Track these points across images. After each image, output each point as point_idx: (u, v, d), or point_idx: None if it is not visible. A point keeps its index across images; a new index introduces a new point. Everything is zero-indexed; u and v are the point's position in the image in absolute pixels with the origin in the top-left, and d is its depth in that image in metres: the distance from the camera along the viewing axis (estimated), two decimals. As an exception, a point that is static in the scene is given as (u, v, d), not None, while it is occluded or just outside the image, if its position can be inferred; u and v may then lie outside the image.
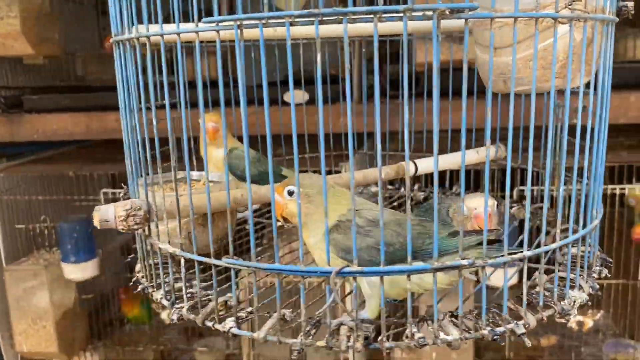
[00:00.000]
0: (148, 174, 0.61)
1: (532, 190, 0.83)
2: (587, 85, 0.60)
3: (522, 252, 0.52)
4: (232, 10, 1.47)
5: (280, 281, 0.52)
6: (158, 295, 0.62)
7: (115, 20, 0.65)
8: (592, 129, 0.58)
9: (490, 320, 0.54)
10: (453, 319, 0.53)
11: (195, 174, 0.80)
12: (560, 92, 0.57)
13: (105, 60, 1.60)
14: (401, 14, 0.45)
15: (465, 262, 0.49)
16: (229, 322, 0.55)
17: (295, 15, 0.46)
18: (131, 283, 0.69)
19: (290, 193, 0.58)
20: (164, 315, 1.67)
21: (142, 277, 0.68)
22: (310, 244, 0.57)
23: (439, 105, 0.47)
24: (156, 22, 0.58)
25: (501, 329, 0.53)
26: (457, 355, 1.46)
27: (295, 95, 1.40)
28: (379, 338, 0.51)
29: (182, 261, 0.58)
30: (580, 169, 0.58)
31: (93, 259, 1.57)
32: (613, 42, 0.60)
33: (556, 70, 0.55)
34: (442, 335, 0.51)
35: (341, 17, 0.46)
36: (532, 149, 0.53)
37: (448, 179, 1.03)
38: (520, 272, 0.56)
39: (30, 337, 1.56)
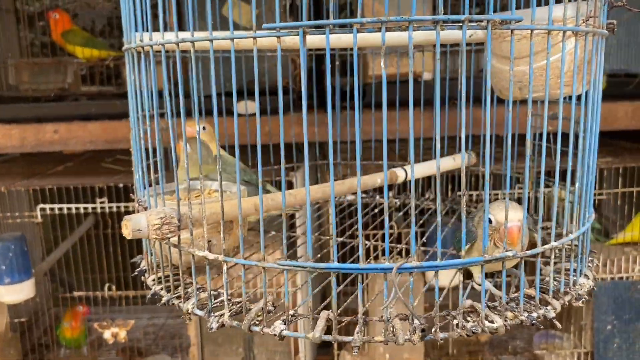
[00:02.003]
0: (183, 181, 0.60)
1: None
2: (578, 97, 0.66)
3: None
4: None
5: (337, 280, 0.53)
6: (188, 305, 0.61)
7: (129, 28, 0.64)
8: (579, 136, 0.65)
9: (523, 309, 0.58)
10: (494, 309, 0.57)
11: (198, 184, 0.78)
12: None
13: (40, 69, 1.51)
14: (461, 24, 0.49)
15: (509, 253, 0.54)
16: (279, 325, 0.55)
17: (364, 21, 0.48)
18: (149, 296, 0.67)
19: None
20: (106, 335, 1.59)
21: (161, 289, 0.66)
22: None
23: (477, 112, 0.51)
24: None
25: (535, 314, 0.57)
26: (409, 354, 1.52)
27: (248, 106, 1.41)
28: (433, 330, 0.54)
29: (225, 267, 0.58)
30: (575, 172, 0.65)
31: (29, 279, 1.48)
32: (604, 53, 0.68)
33: (565, 80, 0.61)
34: (487, 323, 0.55)
35: (407, 25, 0.49)
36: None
37: (421, 185, 1.08)
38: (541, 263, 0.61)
39: (-41, 369, 1.43)
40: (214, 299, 0.61)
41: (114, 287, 1.64)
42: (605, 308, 1.52)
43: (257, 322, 0.57)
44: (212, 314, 0.59)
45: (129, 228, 0.57)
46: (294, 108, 1.36)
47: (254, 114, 1.34)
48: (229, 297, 0.61)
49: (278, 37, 0.51)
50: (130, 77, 0.67)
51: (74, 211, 1.51)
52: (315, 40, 0.64)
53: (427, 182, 1.07)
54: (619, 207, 1.55)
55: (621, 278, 1.51)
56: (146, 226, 0.57)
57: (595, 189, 1.49)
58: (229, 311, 0.58)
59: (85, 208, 1.51)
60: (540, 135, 0.82)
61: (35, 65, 1.50)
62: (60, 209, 1.51)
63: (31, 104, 1.51)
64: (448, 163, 0.95)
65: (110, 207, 1.51)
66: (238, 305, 0.58)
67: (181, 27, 1.33)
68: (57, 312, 1.77)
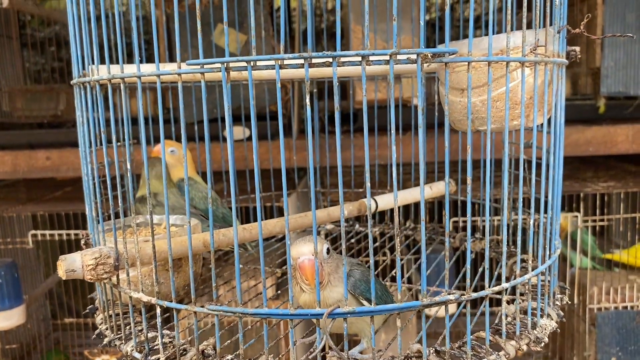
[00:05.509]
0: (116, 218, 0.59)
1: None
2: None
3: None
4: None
5: (268, 325, 0.51)
6: (128, 347, 0.59)
7: (78, 62, 0.63)
8: (547, 165, 0.62)
9: (472, 353, 0.55)
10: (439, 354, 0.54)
11: (156, 218, 0.77)
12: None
13: (32, 96, 1.52)
14: (387, 58, 0.47)
15: (451, 297, 0.51)
16: (212, 371, 0.53)
17: (286, 57, 0.46)
18: (94, 336, 0.65)
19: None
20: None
21: (106, 329, 0.64)
22: None
23: (425, 142, 0.48)
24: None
25: (484, 361, 0.54)
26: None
27: (235, 132, 1.40)
28: (370, 378, 0.51)
29: (158, 310, 0.55)
30: (537, 201, 0.62)
31: (20, 305, 1.47)
32: (564, 82, 0.64)
33: (519, 111, 0.58)
34: (430, 371, 0.52)
35: (330, 61, 0.46)
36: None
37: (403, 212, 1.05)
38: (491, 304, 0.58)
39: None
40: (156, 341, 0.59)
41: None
42: (609, 339, 1.46)
43: (192, 367, 0.54)
44: (149, 358, 0.57)
45: (62, 268, 0.55)
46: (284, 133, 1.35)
47: (241, 140, 1.33)
48: (170, 340, 0.58)
49: (202, 73, 0.49)
50: (77, 110, 0.66)
51: (64, 237, 1.51)
52: (235, 75, 0.63)
53: (405, 210, 1.04)
54: (621, 234, 1.49)
55: (625, 307, 1.45)
56: (80, 266, 0.56)
57: (596, 214, 1.44)
58: (164, 356, 0.56)
59: (76, 234, 1.50)
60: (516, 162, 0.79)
61: (29, 92, 1.51)
62: (51, 235, 1.51)
63: (24, 130, 1.52)
64: (425, 192, 0.92)
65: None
66: (172, 350, 0.56)
67: (171, 58, 1.34)
68: (47, 340, 1.77)
